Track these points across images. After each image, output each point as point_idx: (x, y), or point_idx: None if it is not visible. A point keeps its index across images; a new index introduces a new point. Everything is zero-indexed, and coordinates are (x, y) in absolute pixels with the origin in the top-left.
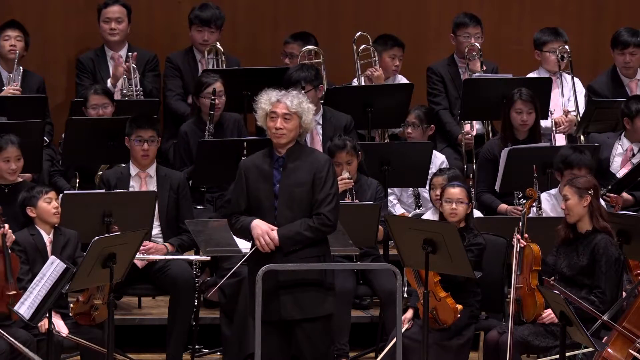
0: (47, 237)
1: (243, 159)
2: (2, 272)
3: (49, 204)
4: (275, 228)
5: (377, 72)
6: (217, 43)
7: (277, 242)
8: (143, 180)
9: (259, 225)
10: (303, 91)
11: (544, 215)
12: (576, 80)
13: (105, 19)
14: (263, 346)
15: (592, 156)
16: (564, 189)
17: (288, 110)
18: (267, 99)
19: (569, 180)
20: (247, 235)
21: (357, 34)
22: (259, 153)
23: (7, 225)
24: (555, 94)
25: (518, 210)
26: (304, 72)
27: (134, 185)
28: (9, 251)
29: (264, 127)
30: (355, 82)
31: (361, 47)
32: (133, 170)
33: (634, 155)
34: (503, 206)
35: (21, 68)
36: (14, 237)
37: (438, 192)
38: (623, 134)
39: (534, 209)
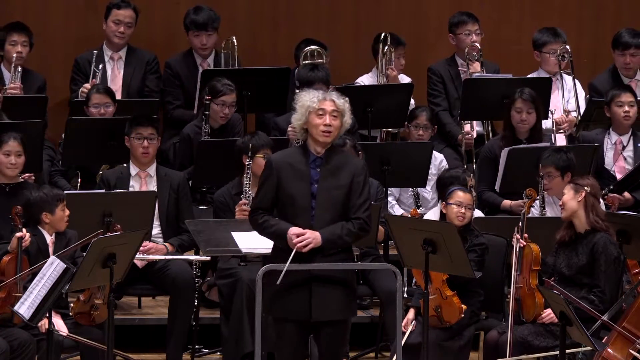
0: (50, 238)
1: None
2: (13, 274)
3: (63, 212)
4: (307, 231)
5: (393, 72)
6: (234, 38)
7: (320, 243)
8: (143, 179)
9: (290, 235)
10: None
11: (547, 214)
12: (576, 80)
13: (116, 20)
14: (281, 344)
15: (593, 156)
16: (564, 188)
17: (336, 107)
18: (314, 96)
19: (571, 180)
20: (280, 240)
21: (382, 34)
22: (289, 151)
23: (25, 230)
24: (555, 94)
25: (522, 205)
26: (319, 72)
27: (134, 185)
28: (22, 255)
29: (300, 127)
30: (362, 81)
31: (384, 48)
32: (133, 170)
33: (624, 147)
34: (507, 202)
35: (19, 68)
36: (29, 241)
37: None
38: (610, 128)
39: (537, 208)
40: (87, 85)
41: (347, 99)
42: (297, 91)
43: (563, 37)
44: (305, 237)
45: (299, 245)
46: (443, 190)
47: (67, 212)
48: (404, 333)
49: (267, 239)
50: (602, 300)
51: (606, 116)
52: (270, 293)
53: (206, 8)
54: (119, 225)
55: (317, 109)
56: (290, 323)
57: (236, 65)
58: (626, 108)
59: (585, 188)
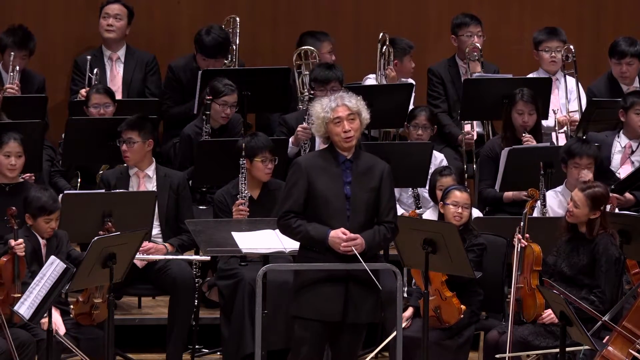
0: (42, 241)
1: (297, 157)
2: (10, 275)
3: (47, 224)
4: (357, 236)
5: (392, 72)
6: (237, 17)
7: (363, 248)
8: (141, 180)
9: (339, 237)
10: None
11: (549, 212)
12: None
13: (104, 14)
14: (303, 345)
15: None
16: (576, 194)
17: (350, 110)
18: (327, 106)
19: (585, 187)
20: (319, 244)
21: (381, 34)
22: (315, 154)
23: (20, 239)
24: (555, 94)
25: (525, 196)
26: (337, 71)
27: (134, 186)
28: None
29: (320, 137)
30: (370, 81)
31: (383, 48)
32: (132, 170)
33: (632, 152)
34: (509, 193)
35: (17, 67)
36: (22, 247)
37: None
38: (621, 131)
39: (539, 207)
40: (83, 92)
41: (359, 97)
42: (312, 91)
43: (561, 36)
44: (356, 242)
45: (346, 249)
46: (434, 189)
47: (54, 225)
48: None
49: (269, 239)
50: (602, 301)
51: (606, 117)
52: (300, 293)
53: (217, 31)
54: (110, 223)
55: (333, 118)
56: (317, 323)
57: (237, 42)
58: None
59: (601, 208)
